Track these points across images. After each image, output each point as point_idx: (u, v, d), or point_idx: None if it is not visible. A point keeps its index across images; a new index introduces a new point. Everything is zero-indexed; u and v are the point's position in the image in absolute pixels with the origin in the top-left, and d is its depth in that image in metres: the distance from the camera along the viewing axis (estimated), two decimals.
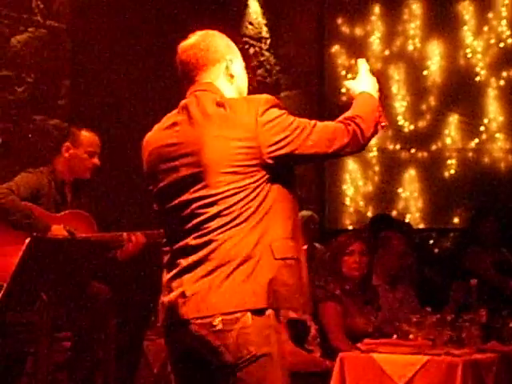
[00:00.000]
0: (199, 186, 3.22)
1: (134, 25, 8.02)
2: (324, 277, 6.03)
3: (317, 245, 8.26)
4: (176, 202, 3.29)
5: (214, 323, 3.11)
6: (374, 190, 9.84)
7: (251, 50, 9.74)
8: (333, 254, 6.16)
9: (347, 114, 3.56)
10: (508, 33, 9.39)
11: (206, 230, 3.19)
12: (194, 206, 3.23)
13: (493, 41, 9.44)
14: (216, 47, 3.53)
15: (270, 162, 3.23)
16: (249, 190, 3.20)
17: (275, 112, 3.38)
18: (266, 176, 3.24)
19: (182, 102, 3.44)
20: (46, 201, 5.76)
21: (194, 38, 3.53)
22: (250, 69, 9.56)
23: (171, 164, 3.31)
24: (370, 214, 9.61)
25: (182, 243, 3.26)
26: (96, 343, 5.65)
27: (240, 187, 3.19)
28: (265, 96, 3.41)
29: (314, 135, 3.35)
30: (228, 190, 3.19)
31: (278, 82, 10.05)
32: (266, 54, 9.96)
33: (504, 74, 9.41)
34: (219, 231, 3.17)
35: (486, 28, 9.47)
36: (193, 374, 3.31)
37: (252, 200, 3.20)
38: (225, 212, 3.18)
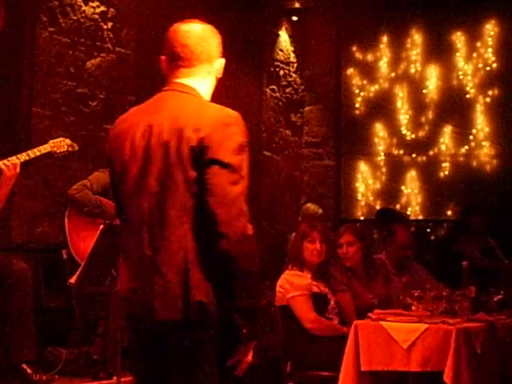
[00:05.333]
0: None
1: None
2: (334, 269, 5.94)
3: None
4: None
5: None
6: (381, 187, 9.81)
7: (281, 72, 9.76)
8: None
9: None
10: (493, 58, 9.34)
11: None
12: None
13: (480, 65, 9.39)
14: (217, 45, 2.87)
15: None
16: None
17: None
18: None
19: (160, 94, 2.83)
20: None
21: (200, 28, 2.84)
22: (280, 87, 9.64)
23: None
24: (377, 207, 9.60)
25: None
26: None
27: None
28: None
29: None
30: None
31: (303, 98, 10.05)
32: (294, 75, 9.97)
33: (490, 92, 9.35)
34: None
35: (475, 54, 9.42)
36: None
37: None
38: None
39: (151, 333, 2.64)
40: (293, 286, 5.55)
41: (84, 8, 6.98)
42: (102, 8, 7.17)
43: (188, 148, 2.58)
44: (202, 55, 2.80)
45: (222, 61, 2.89)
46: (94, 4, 7.08)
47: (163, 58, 2.86)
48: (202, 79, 2.81)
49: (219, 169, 2.56)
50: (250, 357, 2.65)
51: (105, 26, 7.17)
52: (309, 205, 8.99)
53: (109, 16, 7.23)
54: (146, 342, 2.69)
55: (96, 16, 7.08)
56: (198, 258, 2.58)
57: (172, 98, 2.77)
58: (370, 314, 5.16)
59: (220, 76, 2.90)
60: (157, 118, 2.70)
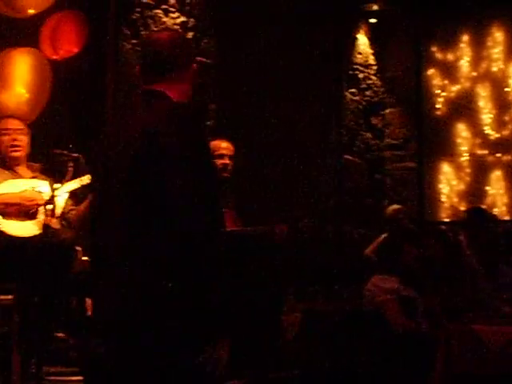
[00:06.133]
0: None
1: (268, 58, 8.10)
2: None
3: None
4: None
5: None
6: (465, 188, 9.69)
7: (360, 75, 9.73)
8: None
9: None
10: None
11: None
12: None
13: None
14: (188, 51, 2.82)
15: None
16: None
17: None
18: None
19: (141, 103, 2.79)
20: None
21: (171, 35, 2.87)
22: (360, 90, 9.62)
23: None
24: (462, 208, 9.47)
25: None
26: None
27: None
28: None
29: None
30: None
31: (383, 101, 9.99)
32: (373, 78, 9.92)
33: None
34: None
35: None
36: None
37: None
38: None
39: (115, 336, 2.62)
40: (381, 289, 5.53)
41: (165, 19, 7.08)
42: (183, 18, 7.26)
43: (142, 150, 2.56)
44: (173, 62, 2.76)
45: (194, 66, 2.83)
46: (174, 15, 7.18)
47: (137, 67, 2.86)
48: (174, 85, 2.75)
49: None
50: (222, 354, 2.57)
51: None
52: (393, 206, 8.94)
53: (189, 26, 7.31)
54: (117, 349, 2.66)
55: (177, 26, 7.17)
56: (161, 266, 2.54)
57: (142, 107, 2.75)
58: (460, 317, 5.10)
59: (195, 81, 2.85)
60: (128, 128, 2.71)
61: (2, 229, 4.56)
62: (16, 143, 4.91)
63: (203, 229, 2.50)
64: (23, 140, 4.95)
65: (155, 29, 6.95)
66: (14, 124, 4.98)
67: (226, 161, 5.76)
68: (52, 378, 4.52)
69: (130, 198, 2.56)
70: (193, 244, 2.49)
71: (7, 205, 4.63)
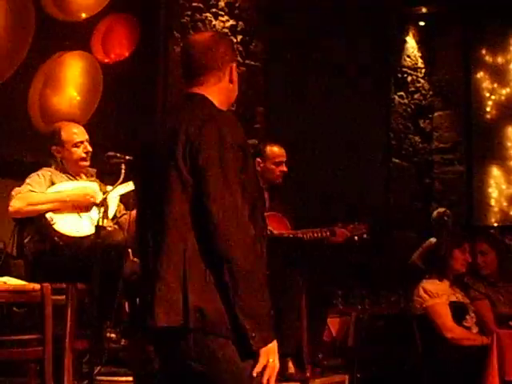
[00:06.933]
0: None
1: (316, 62, 8.11)
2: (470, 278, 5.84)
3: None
4: None
5: None
6: None
7: (409, 78, 9.68)
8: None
9: None
10: None
11: None
12: None
13: None
14: (225, 50, 2.79)
15: None
16: None
17: None
18: None
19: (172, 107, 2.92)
20: None
21: (203, 36, 2.85)
22: (408, 93, 9.57)
23: None
24: (511, 213, 9.38)
25: None
26: None
27: None
28: None
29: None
30: None
31: (431, 104, 9.93)
32: (422, 81, 9.86)
33: None
34: None
35: None
36: None
37: None
38: None
39: (158, 340, 2.63)
40: (431, 294, 5.49)
41: (214, 22, 7.12)
42: (232, 22, 7.30)
43: (180, 146, 2.56)
44: (209, 63, 2.75)
45: (233, 65, 2.81)
46: (223, 18, 7.22)
47: (180, 70, 2.87)
48: (212, 87, 2.76)
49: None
50: (273, 362, 2.49)
51: (234, 40, 7.28)
52: (438, 210, 8.89)
53: (238, 29, 7.35)
54: (159, 352, 2.67)
55: (226, 30, 7.20)
56: (198, 262, 2.52)
57: (180, 109, 2.76)
58: (511, 323, 5.05)
59: (235, 80, 2.82)
60: (163, 128, 2.71)
61: (55, 227, 4.61)
62: (87, 156, 4.90)
63: (244, 240, 2.48)
64: (91, 150, 4.94)
65: None
66: (83, 134, 4.90)
67: (284, 168, 5.74)
68: (103, 377, 4.55)
69: (170, 202, 2.55)
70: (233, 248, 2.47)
71: (63, 202, 4.67)
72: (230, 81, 2.78)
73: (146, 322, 2.53)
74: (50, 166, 4.90)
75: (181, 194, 2.54)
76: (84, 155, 4.86)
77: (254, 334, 2.44)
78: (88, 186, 4.78)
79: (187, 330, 2.46)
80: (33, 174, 4.82)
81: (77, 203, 4.70)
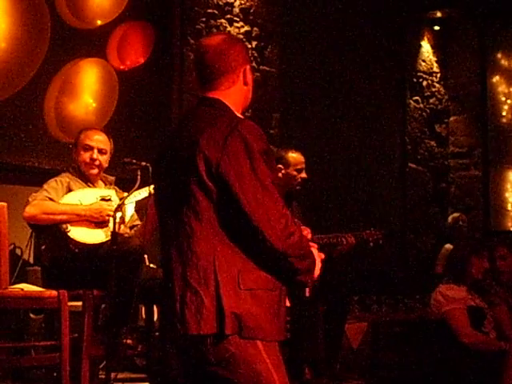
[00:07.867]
0: None
1: (331, 67, 8.09)
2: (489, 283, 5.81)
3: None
4: None
5: None
6: None
7: (424, 83, 9.65)
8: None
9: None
10: None
11: None
12: None
13: None
14: (238, 53, 2.76)
15: None
16: None
17: None
18: None
19: (188, 113, 2.83)
20: None
21: (216, 40, 2.78)
22: (424, 98, 9.54)
23: None
24: None
25: None
26: None
27: None
28: None
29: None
30: None
31: (447, 108, 9.90)
32: (437, 85, 9.83)
33: None
34: None
35: None
36: None
37: None
38: None
39: (187, 348, 2.58)
40: (448, 299, 5.46)
41: (229, 28, 7.13)
42: (246, 28, 7.31)
43: (202, 159, 2.52)
44: (222, 67, 2.72)
45: (247, 67, 2.78)
46: (238, 24, 7.22)
47: (194, 75, 2.85)
48: (226, 90, 2.74)
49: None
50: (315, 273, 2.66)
51: (249, 46, 7.29)
52: (453, 214, 8.88)
53: (253, 35, 7.35)
54: (187, 361, 2.63)
55: (241, 36, 7.21)
56: (229, 268, 2.50)
57: (197, 114, 2.72)
58: None
59: (249, 82, 2.79)
60: (180, 134, 2.68)
61: (70, 235, 4.61)
62: (95, 163, 4.91)
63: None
64: (103, 160, 4.91)
65: None
66: (99, 142, 4.91)
67: (305, 175, 5.69)
68: None
69: (196, 212, 2.54)
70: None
71: (78, 215, 4.68)
72: (245, 83, 2.76)
73: (175, 331, 2.51)
74: (68, 171, 4.92)
75: (206, 204, 2.52)
76: (89, 160, 4.87)
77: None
78: (104, 203, 4.78)
79: (219, 337, 2.45)
80: (51, 180, 4.83)
81: (91, 219, 4.71)
